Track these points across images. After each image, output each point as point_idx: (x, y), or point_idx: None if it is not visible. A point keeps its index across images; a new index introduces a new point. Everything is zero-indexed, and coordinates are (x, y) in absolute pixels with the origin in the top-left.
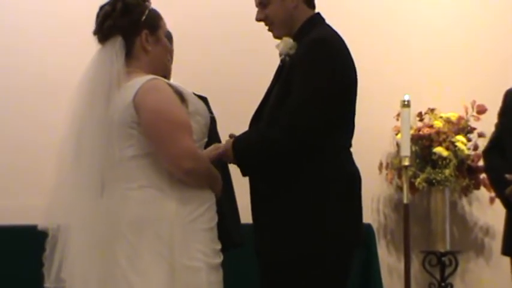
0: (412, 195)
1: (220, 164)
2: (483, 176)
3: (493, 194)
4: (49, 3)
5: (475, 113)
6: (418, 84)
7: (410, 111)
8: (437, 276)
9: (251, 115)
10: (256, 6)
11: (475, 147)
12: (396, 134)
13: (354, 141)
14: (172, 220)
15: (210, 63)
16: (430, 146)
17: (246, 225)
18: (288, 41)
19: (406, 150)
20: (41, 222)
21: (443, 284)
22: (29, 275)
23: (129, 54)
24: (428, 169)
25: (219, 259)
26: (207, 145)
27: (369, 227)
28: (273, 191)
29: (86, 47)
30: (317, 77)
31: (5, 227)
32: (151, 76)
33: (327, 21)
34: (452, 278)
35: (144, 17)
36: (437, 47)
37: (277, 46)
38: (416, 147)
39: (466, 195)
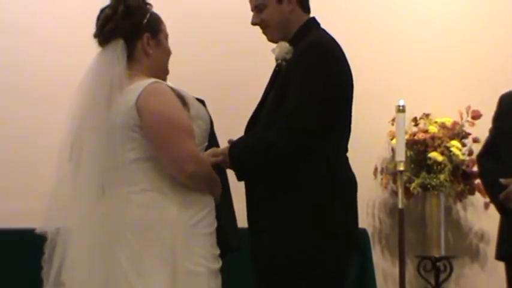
0: (407, 200)
1: (218, 168)
2: (478, 181)
3: (487, 200)
4: (48, 4)
5: (469, 119)
6: (413, 89)
7: (406, 116)
8: (432, 281)
9: (247, 116)
10: (252, 10)
11: (470, 153)
12: (391, 139)
13: (349, 146)
14: (174, 224)
15: (205, 65)
16: (425, 151)
17: (242, 230)
18: (284, 45)
19: (401, 155)
20: (39, 225)
21: None
22: (27, 279)
23: (130, 57)
24: (423, 174)
25: (218, 264)
26: (205, 149)
27: (363, 231)
28: (271, 193)
29: (84, 48)
30: (313, 80)
31: (3, 230)
32: (153, 79)
33: (323, 25)
34: (447, 283)
35: (145, 20)
36: (433, 52)
37: (273, 50)
38: (411, 152)
39: (460, 200)
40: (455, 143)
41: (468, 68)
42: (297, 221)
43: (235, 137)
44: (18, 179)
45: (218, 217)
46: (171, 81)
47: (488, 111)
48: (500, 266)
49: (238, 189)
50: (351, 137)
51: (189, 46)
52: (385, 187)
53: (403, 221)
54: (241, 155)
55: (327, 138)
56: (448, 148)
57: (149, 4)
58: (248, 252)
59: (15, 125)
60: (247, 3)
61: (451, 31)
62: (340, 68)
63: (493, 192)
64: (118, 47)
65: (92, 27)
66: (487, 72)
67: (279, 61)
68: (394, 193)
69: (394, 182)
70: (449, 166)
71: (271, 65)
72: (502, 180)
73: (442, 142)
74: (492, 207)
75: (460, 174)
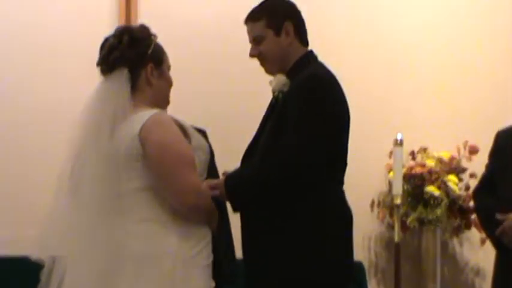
0: (404, 234)
1: (217, 200)
2: (474, 216)
3: (484, 235)
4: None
5: (467, 154)
6: (411, 123)
7: (403, 150)
8: None
9: (245, 147)
10: (250, 42)
11: (467, 188)
12: (388, 172)
13: (346, 179)
14: (174, 255)
15: (205, 96)
16: (422, 185)
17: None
18: (281, 77)
19: (398, 189)
20: (36, 253)
21: None
22: None
23: (133, 87)
24: (420, 208)
25: None
26: (204, 179)
27: (359, 265)
28: (265, 227)
29: (85, 77)
30: (310, 114)
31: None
32: (156, 110)
33: (321, 58)
34: None
35: (150, 51)
36: (431, 86)
37: (270, 82)
38: (408, 186)
39: (457, 235)
40: (452, 177)
41: (466, 103)
42: (291, 254)
43: (233, 168)
44: (15, 206)
45: (214, 248)
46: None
47: (485, 147)
48: None
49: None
50: (348, 169)
51: (189, 78)
52: (382, 220)
53: (399, 255)
54: (236, 187)
55: (323, 172)
56: (445, 183)
57: (153, 35)
58: (244, 283)
59: (11, 153)
60: (244, 40)
61: (450, 66)
62: (337, 101)
63: (489, 228)
64: (123, 76)
65: (94, 56)
66: (484, 107)
67: (276, 93)
68: (391, 227)
69: (391, 215)
70: (446, 201)
71: (269, 96)
72: (498, 215)
73: (439, 176)
74: (488, 242)
75: (456, 209)
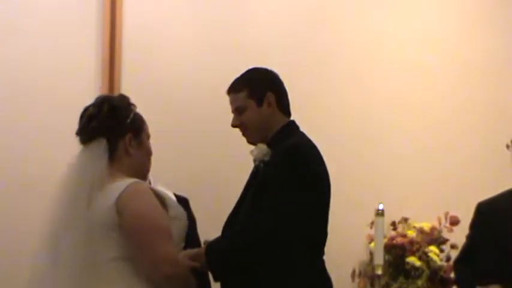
0: None
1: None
2: (455, 287)
3: None
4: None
5: (447, 224)
6: (392, 193)
7: (384, 220)
8: None
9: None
10: (232, 112)
11: (448, 258)
12: (370, 243)
13: (327, 248)
14: None
15: (186, 163)
16: (403, 256)
17: None
18: (263, 147)
19: (379, 259)
20: None
21: None
22: None
23: (111, 156)
24: (401, 279)
25: None
26: (186, 247)
27: None
28: None
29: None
30: (290, 183)
31: None
32: (133, 180)
33: (301, 129)
34: None
35: (129, 120)
36: (413, 157)
37: (252, 152)
38: (390, 256)
39: None
40: (433, 248)
41: (447, 174)
42: None
43: (214, 236)
44: None
45: None
46: (155, 177)
47: (466, 217)
48: None
49: None
50: (329, 238)
51: (169, 145)
52: None
53: None
54: (216, 257)
55: (303, 244)
56: (426, 253)
57: (133, 104)
58: None
59: None
60: (226, 111)
61: (433, 136)
62: (317, 170)
63: None
64: (101, 146)
65: (75, 124)
66: (465, 178)
67: (257, 163)
68: None
69: (372, 286)
70: (427, 271)
71: (250, 166)
72: (478, 287)
73: (421, 247)
74: None
75: (438, 279)
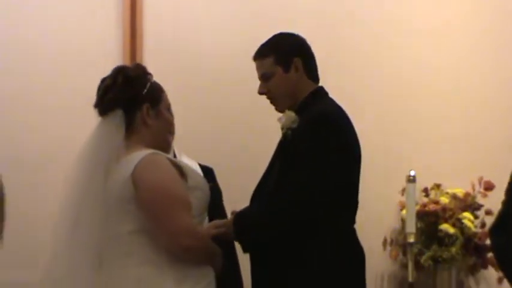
0: (418, 273)
1: (225, 240)
2: (491, 255)
3: (501, 274)
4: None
5: (482, 190)
6: (424, 159)
7: (416, 187)
8: None
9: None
10: (259, 78)
11: (483, 225)
12: (401, 210)
13: (358, 216)
14: None
15: (216, 134)
16: (436, 223)
17: None
18: (290, 114)
19: (411, 227)
20: None
21: None
22: None
23: (129, 128)
24: (434, 246)
25: None
26: (211, 219)
27: None
28: (276, 269)
29: (86, 117)
30: (319, 151)
31: None
32: (150, 150)
33: (331, 95)
34: None
35: (145, 90)
36: (445, 122)
37: (279, 120)
38: (422, 224)
39: (473, 274)
40: (467, 214)
41: (481, 138)
42: None
43: (242, 207)
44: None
45: None
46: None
47: (502, 183)
48: None
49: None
50: (360, 207)
51: (195, 116)
52: (395, 259)
53: None
54: (245, 228)
55: (333, 211)
56: (459, 220)
57: (149, 74)
58: None
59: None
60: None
61: (465, 100)
62: (347, 139)
63: (507, 269)
64: (117, 118)
65: (90, 102)
66: (500, 142)
67: (285, 130)
68: (404, 266)
69: (404, 254)
70: (461, 239)
71: (279, 132)
72: None
73: (454, 214)
74: (506, 281)
75: (472, 247)
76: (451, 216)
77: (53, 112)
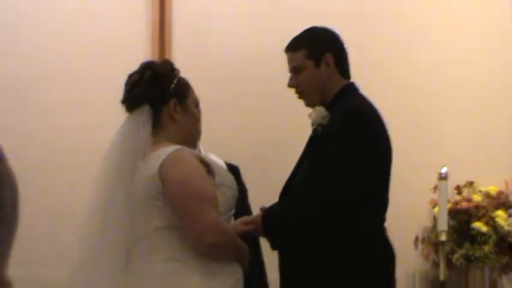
0: (450, 272)
1: (251, 237)
2: None
3: None
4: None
5: None
6: (456, 156)
7: (448, 184)
8: None
9: (283, 182)
10: (290, 71)
11: None
12: (433, 208)
13: (389, 214)
14: None
15: (242, 131)
16: (469, 221)
17: None
18: (321, 110)
19: (443, 225)
20: None
21: None
22: None
23: (156, 123)
24: (467, 245)
25: None
26: (237, 217)
27: None
28: (304, 266)
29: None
30: (350, 149)
31: None
32: (177, 146)
33: (364, 92)
34: None
35: (172, 86)
36: (477, 119)
37: (310, 115)
38: (454, 222)
39: (506, 273)
40: (500, 213)
41: None
42: None
43: (269, 204)
44: (39, 245)
45: (246, 286)
46: (204, 149)
47: None
48: None
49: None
50: (392, 204)
51: (222, 115)
52: (427, 258)
53: None
54: (274, 225)
55: (363, 209)
56: (492, 218)
57: (177, 69)
58: None
59: (36, 188)
60: (283, 72)
61: (498, 97)
62: (378, 136)
63: None
64: (144, 113)
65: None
66: None
67: (315, 126)
68: (436, 264)
69: (436, 252)
70: (494, 237)
71: (308, 128)
72: None
73: (487, 212)
74: None
75: (505, 246)
76: (483, 215)
77: (75, 103)
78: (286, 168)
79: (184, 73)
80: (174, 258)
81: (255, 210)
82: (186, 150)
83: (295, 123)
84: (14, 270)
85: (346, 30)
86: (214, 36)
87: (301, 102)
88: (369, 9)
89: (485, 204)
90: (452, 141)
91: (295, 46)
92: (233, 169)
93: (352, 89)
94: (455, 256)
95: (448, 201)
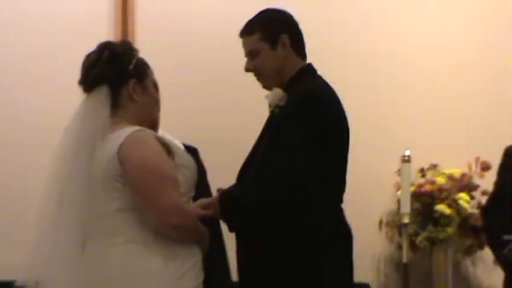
0: (414, 254)
1: (211, 219)
2: None
3: None
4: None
5: (479, 170)
6: (419, 139)
7: (412, 167)
8: None
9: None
10: (246, 56)
11: (479, 206)
12: (397, 191)
13: (353, 197)
14: (158, 276)
15: (200, 113)
16: (432, 203)
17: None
18: (278, 91)
19: (406, 207)
20: (19, 278)
21: None
22: None
23: (115, 104)
24: (430, 227)
25: None
26: (196, 198)
27: (366, 286)
28: (260, 247)
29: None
30: (304, 131)
31: None
32: (136, 127)
33: (321, 72)
34: None
35: (131, 66)
36: (441, 101)
37: (267, 97)
38: (418, 204)
39: (469, 255)
40: (463, 195)
41: (477, 118)
42: (288, 276)
43: (227, 185)
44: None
45: (207, 268)
46: (163, 130)
47: (498, 163)
48: None
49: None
50: (355, 187)
51: (179, 95)
52: (391, 240)
53: (409, 276)
54: (231, 208)
55: (319, 189)
56: (455, 200)
57: (135, 49)
58: None
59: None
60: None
61: (461, 80)
62: (333, 118)
63: (497, 248)
64: (102, 94)
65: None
66: (496, 122)
67: (272, 108)
68: (400, 247)
69: (400, 235)
70: (457, 219)
71: (266, 110)
72: (505, 237)
73: (450, 194)
74: None
75: (468, 228)
76: (447, 197)
77: (39, 86)
78: (245, 149)
79: (147, 54)
80: (134, 240)
81: (214, 192)
82: (145, 131)
83: (254, 105)
84: None
85: (308, 15)
86: (178, 17)
87: (259, 84)
88: None
89: (448, 186)
90: (416, 124)
91: (249, 30)
92: (192, 151)
93: (309, 70)
94: (419, 238)
95: (412, 184)
